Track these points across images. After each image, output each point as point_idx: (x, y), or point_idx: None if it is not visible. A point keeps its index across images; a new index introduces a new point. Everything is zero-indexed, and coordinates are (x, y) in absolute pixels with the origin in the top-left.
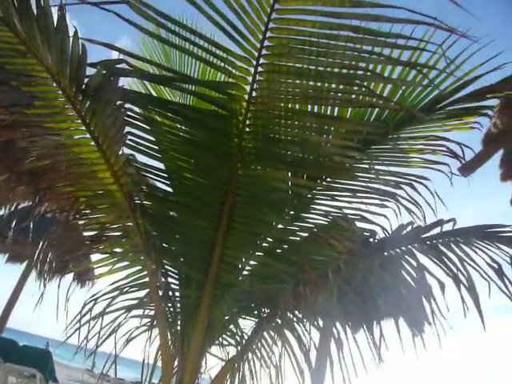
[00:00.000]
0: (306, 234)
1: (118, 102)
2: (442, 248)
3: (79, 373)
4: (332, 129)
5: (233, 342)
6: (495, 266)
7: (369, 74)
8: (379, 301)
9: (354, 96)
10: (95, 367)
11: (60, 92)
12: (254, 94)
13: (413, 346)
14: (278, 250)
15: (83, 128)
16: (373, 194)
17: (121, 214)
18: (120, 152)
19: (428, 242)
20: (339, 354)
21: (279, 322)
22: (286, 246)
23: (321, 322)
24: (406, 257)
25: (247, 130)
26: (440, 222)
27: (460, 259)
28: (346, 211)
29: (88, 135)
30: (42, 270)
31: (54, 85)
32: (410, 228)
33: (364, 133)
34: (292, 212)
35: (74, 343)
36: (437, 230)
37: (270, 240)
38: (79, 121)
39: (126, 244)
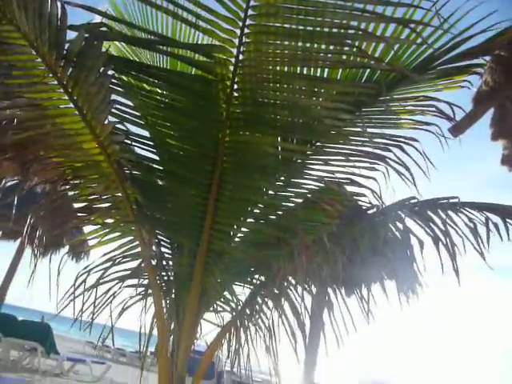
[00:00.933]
0: (298, 200)
1: (102, 69)
2: (429, 213)
3: (80, 345)
4: (322, 91)
5: (227, 308)
6: (471, 225)
7: (360, 33)
8: (368, 264)
9: (344, 57)
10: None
11: (39, 60)
12: (240, 56)
13: (401, 305)
14: (270, 216)
15: (66, 98)
16: (363, 157)
17: (109, 185)
18: (106, 121)
19: (416, 208)
20: (330, 315)
21: (273, 287)
22: (277, 212)
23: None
24: (394, 221)
25: (235, 94)
26: (439, 200)
27: (443, 222)
28: (338, 175)
29: (71, 105)
30: (33, 245)
31: (33, 52)
32: (410, 202)
33: (355, 95)
34: (283, 177)
35: (71, 316)
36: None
37: (262, 206)
38: (61, 90)
39: (116, 215)
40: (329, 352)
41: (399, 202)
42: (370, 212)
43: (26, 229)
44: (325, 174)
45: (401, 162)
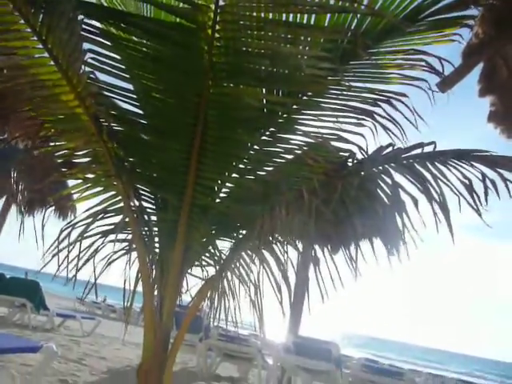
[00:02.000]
0: (283, 155)
1: (72, 14)
2: (418, 167)
3: (71, 302)
4: (304, 39)
5: (212, 262)
6: (466, 182)
7: None
8: (356, 222)
9: (332, 1)
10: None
11: (11, 6)
12: (221, 2)
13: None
14: (255, 171)
15: (40, 46)
16: (350, 112)
17: (89, 139)
18: (81, 71)
19: (405, 162)
20: (316, 271)
21: (257, 242)
22: (262, 167)
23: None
24: (383, 176)
25: (216, 44)
26: (420, 145)
27: (434, 177)
28: (323, 131)
29: (46, 54)
30: (17, 201)
31: None
32: (389, 150)
33: (341, 47)
34: (268, 132)
35: (62, 274)
36: (416, 152)
37: (246, 161)
38: (35, 38)
39: (97, 169)
40: (313, 307)
41: (380, 150)
42: (355, 165)
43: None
44: (310, 129)
45: (389, 117)
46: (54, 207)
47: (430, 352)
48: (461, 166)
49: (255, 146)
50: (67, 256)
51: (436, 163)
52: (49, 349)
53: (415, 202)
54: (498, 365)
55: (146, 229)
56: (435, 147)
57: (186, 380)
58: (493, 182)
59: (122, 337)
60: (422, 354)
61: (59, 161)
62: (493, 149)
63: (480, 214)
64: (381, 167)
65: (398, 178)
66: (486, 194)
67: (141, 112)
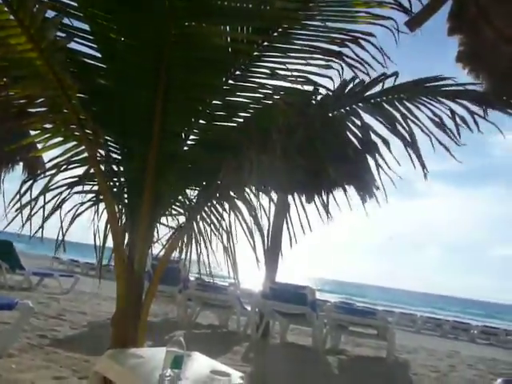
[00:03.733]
0: (250, 99)
1: None
2: (387, 106)
3: (47, 261)
4: None
5: (182, 211)
6: (437, 119)
7: None
8: (329, 167)
9: None
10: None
11: None
12: None
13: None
14: (223, 117)
15: None
16: (318, 53)
17: (46, 86)
18: (34, 9)
19: (372, 101)
20: (288, 218)
21: (228, 190)
22: (230, 112)
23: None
24: (351, 117)
25: None
26: (383, 76)
27: (403, 116)
28: (292, 73)
29: None
30: None
31: None
32: (353, 84)
33: None
34: (235, 74)
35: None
36: (380, 87)
37: (214, 106)
38: None
39: (57, 118)
40: (289, 253)
41: (344, 85)
42: (321, 103)
43: None
44: (278, 71)
45: (358, 57)
46: (22, 164)
47: (403, 294)
48: (428, 103)
49: (224, 88)
50: (31, 210)
51: (405, 101)
52: (24, 305)
53: (386, 143)
54: (460, 301)
55: (114, 179)
56: (397, 77)
57: (167, 330)
58: (462, 118)
59: (102, 293)
60: (397, 297)
61: (16, 110)
62: None
63: (451, 153)
64: (349, 108)
65: (368, 120)
66: (458, 129)
67: (99, 55)
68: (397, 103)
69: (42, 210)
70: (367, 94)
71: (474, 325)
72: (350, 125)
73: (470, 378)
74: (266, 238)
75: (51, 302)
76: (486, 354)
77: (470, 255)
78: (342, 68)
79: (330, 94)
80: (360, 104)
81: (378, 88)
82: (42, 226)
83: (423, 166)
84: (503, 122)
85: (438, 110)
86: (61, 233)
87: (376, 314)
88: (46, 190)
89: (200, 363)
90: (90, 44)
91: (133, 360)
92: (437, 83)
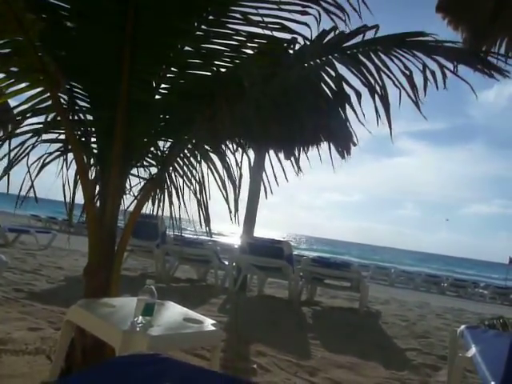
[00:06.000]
0: (223, 46)
1: None
2: (362, 58)
3: (25, 219)
4: None
5: (154, 162)
6: (407, 73)
7: None
8: (305, 121)
9: None
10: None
11: None
12: None
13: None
14: (196, 61)
15: None
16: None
17: (6, 27)
18: None
19: (348, 52)
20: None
21: (200, 142)
22: (203, 60)
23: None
24: (326, 67)
25: None
26: (363, 28)
27: (377, 68)
28: (266, 19)
29: None
30: None
31: None
32: (331, 35)
33: None
34: (207, 18)
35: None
36: (358, 39)
37: (185, 51)
38: None
39: (20, 62)
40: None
41: (322, 35)
42: (298, 53)
43: None
44: (254, 18)
45: (336, 3)
46: None
47: (379, 250)
48: (403, 56)
49: (195, 35)
50: None
51: (379, 53)
52: None
53: (359, 95)
54: (435, 257)
55: (82, 128)
56: (377, 30)
57: (145, 284)
58: (433, 73)
59: (80, 249)
60: (373, 253)
61: None
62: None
63: (419, 107)
64: (324, 58)
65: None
66: (426, 84)
67: None
68: (372, 55)
69: (6, 158)
70: (345, 45)
71: (444, 278)
72: (325, 75)
73: (437, 326)
74: (237, 190)
75: (28, 258)
76: (454, 305)
77: (445, 213)
78: (320, 14)
79: (308, 43)
80: (336, 55)
81: (356, 40)
82: (7, 173)
83: (390, 124)
84: (481, 83)
85: (412, 64)
86: (29, 184)
87: (350, 266)
88: (11, 134)
89: (172, 311)
90: None
91: (104, 309)
92: (416, 38)
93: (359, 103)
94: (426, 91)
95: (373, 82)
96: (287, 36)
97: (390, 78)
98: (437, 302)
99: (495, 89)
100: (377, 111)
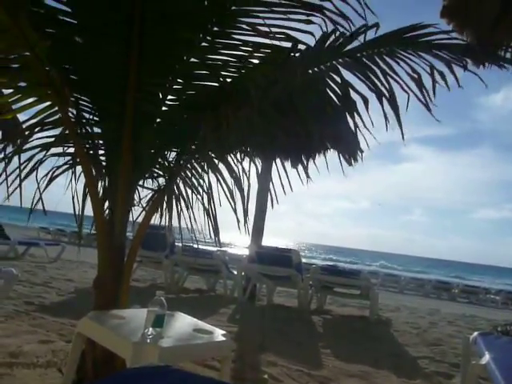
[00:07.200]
0: (230, 57)
1: None
2: (366, 61)
3: (34, 231)
4: None
5: (162, 173)
6: (415, 76)
7: None
8: (309, 124)
9: None
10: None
11: None
12: None
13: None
14: (201, 72)
15: None
16: (298, 7)
17: (14, 42)
18: None
19: (353, 56)
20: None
21: (207, 152)
22: (210, 69)
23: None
24: (331, 73)
25: None
26: (364, 28)
27: (383, 72)
28: (273, 29)
29: None
30: None
31: None
32: (334, 36)
33: None
34: (212, 29)
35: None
36: (360, 40)
37: (192, 62)
38: None
39: (28, 77)
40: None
41: (324, 39)
42: (302, 62)
43: None
44: (259, 28)
45: (340, 12)
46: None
47: (389, 257)
48: (409, 59)
49: (200, 46)
50: (4, 171)
51: (384, 56)
52: (8, 272)
53: (366, 101)
54: (443, 263)
55: (90, 141)
56: (378, 29)
57: (154, 295)
58: (441, 74)
59: (90, 261)
60: (384, 260)
61: None
62: None
63: (429, 109)
64: (328, 63)
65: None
66: (434, 86)
67: (69, 9)
68: (377, 58)
69: (18, 174)
70: (347, 48)
71: (455, 284)
72: (330, 82)
73: (448, 333)
74: (246, 200)
75: (38, 271)
76: (465, 312)
77: (453, 219)
78: (325, 22)
79: (310, 48)
80: (340, 60)
81: (358, 42)
82: (19, 186)
83: (401, 127)
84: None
85: (418, 66)
86: (41, 199)
87: (359, 274)
88: (19, 150)
89: (182, 322)
90: None
91: (115, 320)
92: (417, 32)
93: (366, 109)
94: (435, 93)
95: (379, 85)
96: (290, 44)
97: (398, 82)
98: (448, 309)
99: (502, 92)
100: (385, 116)
